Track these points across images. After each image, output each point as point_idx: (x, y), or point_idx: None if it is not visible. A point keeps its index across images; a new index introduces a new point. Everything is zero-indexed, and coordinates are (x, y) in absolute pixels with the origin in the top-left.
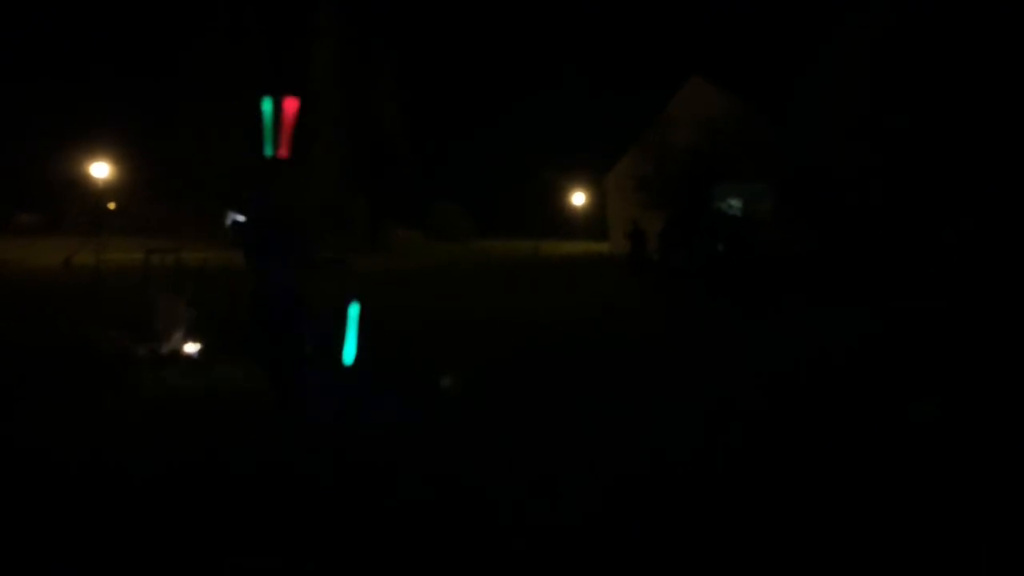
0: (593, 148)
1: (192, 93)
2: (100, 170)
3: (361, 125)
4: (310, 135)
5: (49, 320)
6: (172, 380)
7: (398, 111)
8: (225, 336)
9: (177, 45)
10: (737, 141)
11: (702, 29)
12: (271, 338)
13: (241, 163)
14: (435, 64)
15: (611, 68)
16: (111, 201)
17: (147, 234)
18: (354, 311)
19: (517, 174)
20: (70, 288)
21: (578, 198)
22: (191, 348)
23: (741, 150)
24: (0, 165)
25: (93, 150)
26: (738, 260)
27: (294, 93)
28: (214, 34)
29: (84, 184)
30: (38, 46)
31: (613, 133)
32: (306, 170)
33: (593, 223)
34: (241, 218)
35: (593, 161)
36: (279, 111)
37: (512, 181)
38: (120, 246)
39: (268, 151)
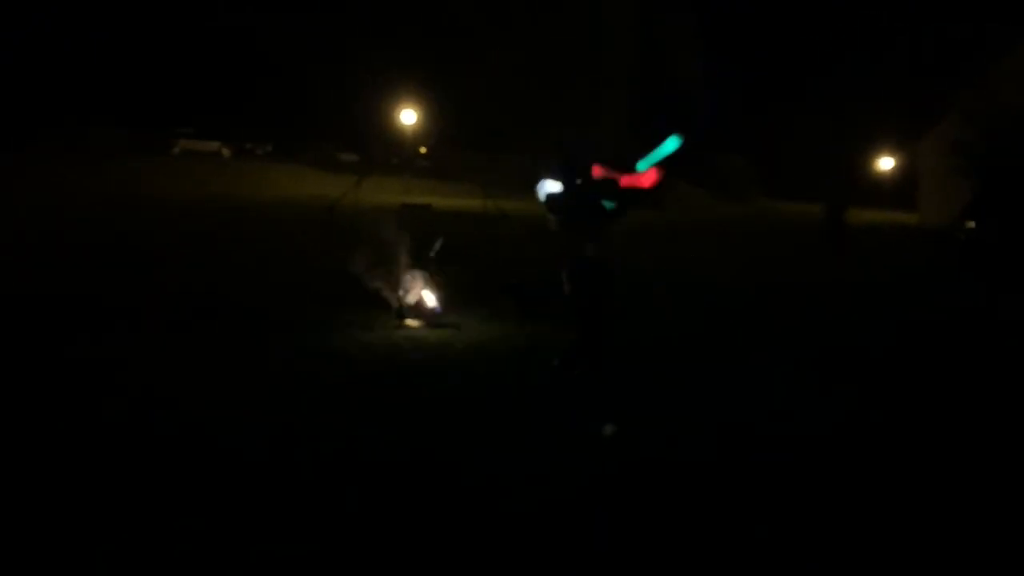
0: (907, 109)
1: (490, 42)
2: (408, 117)
3: (652, 77)
4: (600, 84)
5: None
6: (412, 329)
7: (691, 61)
8: (468, 291)
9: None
10: None
11: None
12: (589, 304)
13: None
14: (733, 16)
15: (931, 23)
16: (422, 145)
17: (449, 178)
18: None
19: (816, 130)
20: (339, 230)
21: (886, 163)
22: (431, 300)
23: None
24: (325, 108)
25: (405, 96)
26: None
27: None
28: None
29: (395, 129)
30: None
31: (931, 94)
32: (595, 123)
33: (901, 191)
34: (556, 188)
35: (906, 123)
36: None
37: (810, 137)
38: (402, 188)
39: (642, 166)
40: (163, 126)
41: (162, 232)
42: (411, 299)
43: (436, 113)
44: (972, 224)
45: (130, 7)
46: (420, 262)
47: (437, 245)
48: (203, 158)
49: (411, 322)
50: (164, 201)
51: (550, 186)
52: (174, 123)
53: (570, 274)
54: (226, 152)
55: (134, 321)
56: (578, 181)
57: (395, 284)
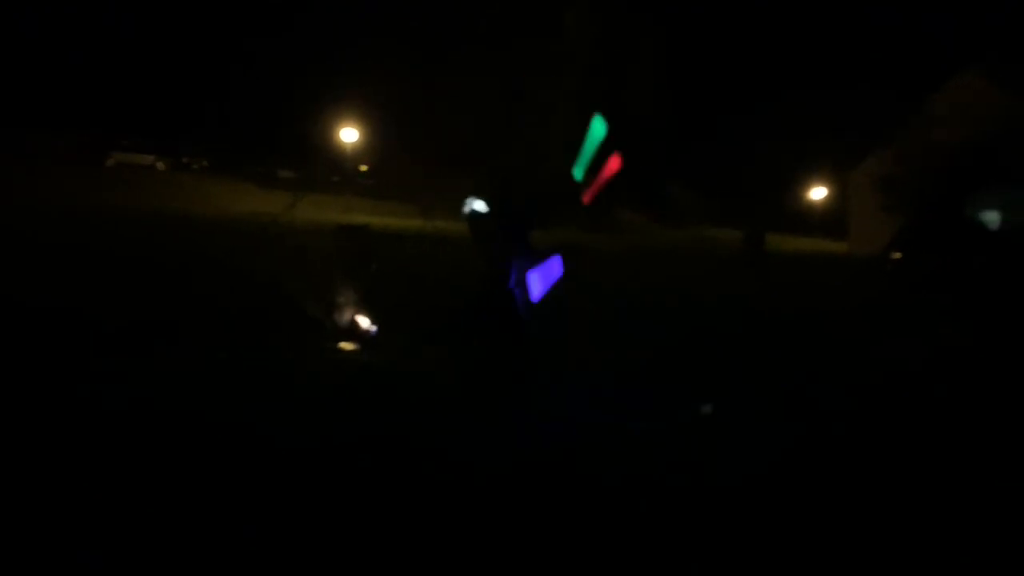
0: (840, 142)
1: (446, 55)
2: (349, 135)
3: (605, 102)
4: (548, 107)
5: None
6: (346, 354)
7: (649, 93)
8: (407, 317)
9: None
10: (1014, 142)
11: (973, 18)
12: (502, 327)
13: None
14: (690, 50)
15: (867, 58)
16: (363, 163)
17: (391, 198)
18: None
19: (755, 161)
20: (274, 248)
21: (818, 192)
22: (366, 324)
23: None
24: (264, 123)
25: (346, 114)
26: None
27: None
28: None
29: (336, 146)
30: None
31: (863, 127)
32: (542, 147)
33: (832, 220)
34: (482, 208)
35: (838, 155)
36: (603, 151)
37: (750, 168)
38: (342, 208)
39: (578, 175)
40: (99, 137)
41: (92, 244)
42: (345, 321)
43: (379, 131)
44: (898, 255)
45: (67, 17)
46: (355, 284)
47: (372, 267)
48: (138, 171)
49: (345, 345)
50: (96, 213)
51: (476, 205)
52: (110, 134)
53: (486, 294)
54: (161, 166)
55: (56, 335)
56: (512, 211)
57: (329, 306)
